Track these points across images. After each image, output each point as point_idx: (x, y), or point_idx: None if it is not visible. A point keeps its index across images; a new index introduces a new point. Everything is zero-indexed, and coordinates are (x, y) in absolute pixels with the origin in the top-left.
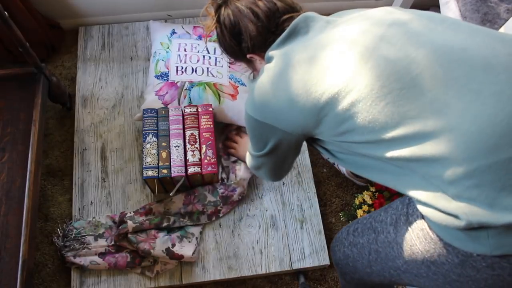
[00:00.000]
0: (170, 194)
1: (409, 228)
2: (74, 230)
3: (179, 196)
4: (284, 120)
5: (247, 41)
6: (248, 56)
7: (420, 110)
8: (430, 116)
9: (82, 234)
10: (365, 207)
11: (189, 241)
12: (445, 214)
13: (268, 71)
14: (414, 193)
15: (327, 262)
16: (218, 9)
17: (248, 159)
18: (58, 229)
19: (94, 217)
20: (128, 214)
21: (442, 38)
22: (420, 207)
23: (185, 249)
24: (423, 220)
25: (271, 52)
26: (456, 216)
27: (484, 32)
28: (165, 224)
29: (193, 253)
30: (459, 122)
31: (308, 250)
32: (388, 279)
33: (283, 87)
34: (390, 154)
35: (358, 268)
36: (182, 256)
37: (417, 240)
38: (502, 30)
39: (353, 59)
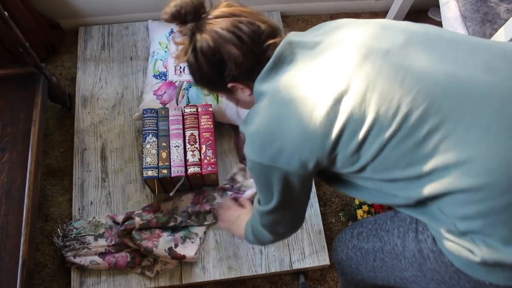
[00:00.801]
0: (170, 194)
1: (418, 246)
2: (74, 230)
3: (188, 195)
4: (290, 160)
5: (231, 69)
6: (229, 85)
7: (432, 149)
8: (445, 153)
9: (82, 234)
10: (365, 207)
11: (192, 242)
12: (459, 246)
13: (265, 112)
14: (427, 220)
15: (327, 262)
16: (192, 36)
17: (256, 225)
18: (58, 229)
19: (94, 217)
20: (137, 212)
21: (441, 68)
22: (433, 232)
23: (188, 250)
24: (433, 241)
25: (260, 87)
26: (471, 251)
27: (484, 50)
28: (171, 224)
29: (195, 253)
30: (475, 161)
31: (308, 250)
32: (393, 285)
33: (285, 127)
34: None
35: (361, 270)
36: (184, 257)
37: (428, 260)
38: (502, 30)
39: (351, 96)
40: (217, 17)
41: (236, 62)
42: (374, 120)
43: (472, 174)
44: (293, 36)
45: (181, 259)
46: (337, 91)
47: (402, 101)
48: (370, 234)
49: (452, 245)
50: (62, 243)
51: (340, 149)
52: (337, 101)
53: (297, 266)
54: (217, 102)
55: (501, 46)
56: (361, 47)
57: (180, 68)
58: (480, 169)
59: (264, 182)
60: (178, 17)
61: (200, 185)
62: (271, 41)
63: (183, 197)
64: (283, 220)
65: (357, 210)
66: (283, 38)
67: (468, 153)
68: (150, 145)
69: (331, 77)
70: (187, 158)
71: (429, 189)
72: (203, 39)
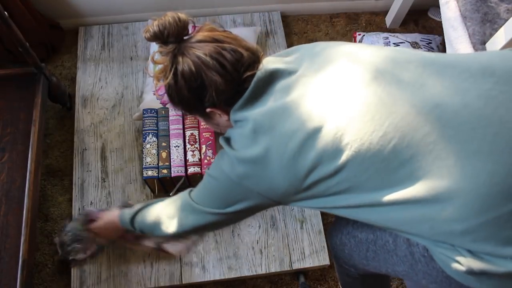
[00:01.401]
0: (170, 194)
1: (410, 248)
2: (69, 233)
3: None
4: (267, 186)
5: (211, 95)
6: (208, 110)
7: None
8: (417, 181)
9: (77, 233)
10: None
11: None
12: (446, 257)
13: (247, 137)
14: (413, 237)
15: (327, 262)
16: (173, 59)
17: (180, 212)
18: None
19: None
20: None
21: (409, 98)
22: (422, 242)
23: (175, 247)
24: (425, 246)
25: (239, 115)
26: (457, 262)
27: (451, 70)
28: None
29: (182, 250)
30: (460, 185)
31: (308, 250)
32: (384, 273)
33: (269, 156)
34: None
35: (353, 257)
36: (168, 252)
37: (419, 263)
38: (502, 30)
39: (334, 123)
40: (200, 41)
41: (217, 89)
42: (351, 156)
43: (446, 200)
44: (269, 64)
45: (165, 252)
46: (312, 126)
47: (374, 136)
48: (364, 224)
49: (440, 255)
50: (63, 255)
51: (316, 185)
52: (312, 135)
53: (297, 266)
54: None
55: (466, 64)
56: (336, 81)
57: None
58: (454, 195)
59: (224, 195)
60: (160, 37)
61: None
62: (249, 73)
63: None
64: (205, 223)
65: None
66: (261, 67)
67: (442, 181)
68: (150, 145)
69: (308, 111)
70: (187, 158)
71: (403, 214)
72: (185, 62)
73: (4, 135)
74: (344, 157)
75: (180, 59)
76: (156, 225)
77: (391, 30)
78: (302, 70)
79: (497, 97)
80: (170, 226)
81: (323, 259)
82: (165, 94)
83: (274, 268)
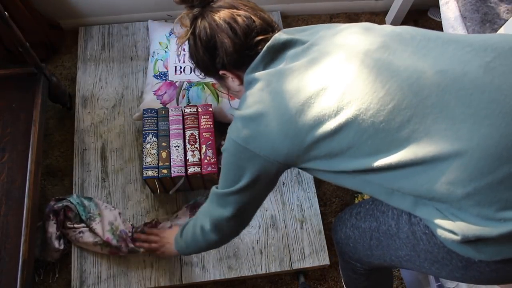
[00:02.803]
0: (170, 193)
1: (412, 228)
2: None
3: (183, 211)
4: (271, 146)
5: (222, 56)
6: (220, 72)
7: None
8: (418, 144)
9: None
10: None
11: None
12: (442, 229)
13: (254, 96)
14: (410, 209)
15: (327, 262)
16: (194, 21)
17: (209, 205)
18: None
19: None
20: (138, 227)
21: (412, 64)
22: (422, 217)
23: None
24: (425, 224)
25: (250, 76)
26: (452, 231)
27: (454, 43)
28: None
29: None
30: (455, 147)
31: (308, 250)
32: (388, 263)
33: (272, 113)
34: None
35: (358, 249)
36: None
37: (421, 241)
38: (502, 30)
39: (340, 86)
40: (220, 7)
41: (226, 51)
42: (351, 115)
43: (441, 162)
44: (283, 33)
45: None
46: (315, 87)
47: (375, 97)
48: (367, 214)
49: (438, 229)
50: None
51: (318, 144)
52: (314, 96)
53: (297, 266)
54: (218, 102)
55: (469, 40)
56: (344, 49)
57: (181, 68)
58: (450, 157)
59: (235, 166)
60: (188, 1)
61: (201, 185)
62: (261, 37)
63: (179, 213)
64: (232, 208)
65: None
66: (276, 36)
67: (438, 143)
68: (150, 145)
69: (314, 74)
70: (187, 158)
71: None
72: (202, 26)
73: (4, 135)
74: (344, 116)
75: (199, 22)
76: (196, 228)
77: None
78: (315, 40)
79: (496, 68)
80: (206, 224)
81: (323, 259)
82: (166, 94)
83: (274, 268)
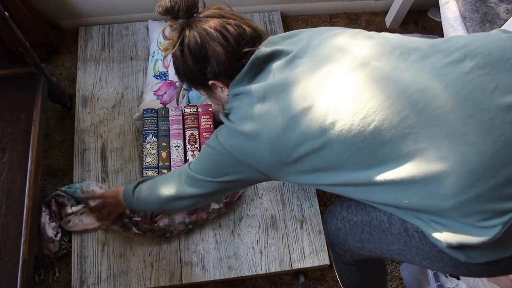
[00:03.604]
0: None
1: (404, 225)
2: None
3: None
4: (257, 159)
5: (213, 66)
6: (210, 82)
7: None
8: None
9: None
10: None
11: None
12: (429, 235)
13: (244, 110)
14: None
15: (327, 262)
16: (181, 31)
17: (178, 180)
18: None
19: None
20: (135, 218)
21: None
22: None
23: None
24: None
25: (238, 88)
26: (437, 239)
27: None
28: (167, 235)
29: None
30: (434, 166)
31: (308, 250)
32: (379, 255)
33: (263, 131)
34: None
35: (348, 241)
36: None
37: (413, 238)
38: None
39: (329, 97)
40: (207, 16)
41: (218, 60)
42: (334, 136)
43: (421, 181)
44: (269, 45)
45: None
46: (302, 105)
47: (356, 118)
48: (358, 208)
49: (425, 232)
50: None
51: (302, 159)
52: (301, 114)
53: (297, 266)
54: None
55: (449, 49)
56: (327, 66)
57: None
58: (429, 176)
59: (218, 165)
60: (171, 12)
61: None
62: (247, 49)
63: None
64: (201, 191)
65: None
66: (262, 47)
67: (418, 163)
68: (150, 145)
69: (300, 91)
70: (187, 158)
71: (382, 196)
72: (192, 35)
73: (4, 135)
74: (328, 136)
75: (187, 32)
76: (153, 190)
77: (391, 30)
78: (301, 52)
79: (473, 81)
80: (167, 191)
81: (323, 259)
82: (166, 94)
83: (274, 268)
